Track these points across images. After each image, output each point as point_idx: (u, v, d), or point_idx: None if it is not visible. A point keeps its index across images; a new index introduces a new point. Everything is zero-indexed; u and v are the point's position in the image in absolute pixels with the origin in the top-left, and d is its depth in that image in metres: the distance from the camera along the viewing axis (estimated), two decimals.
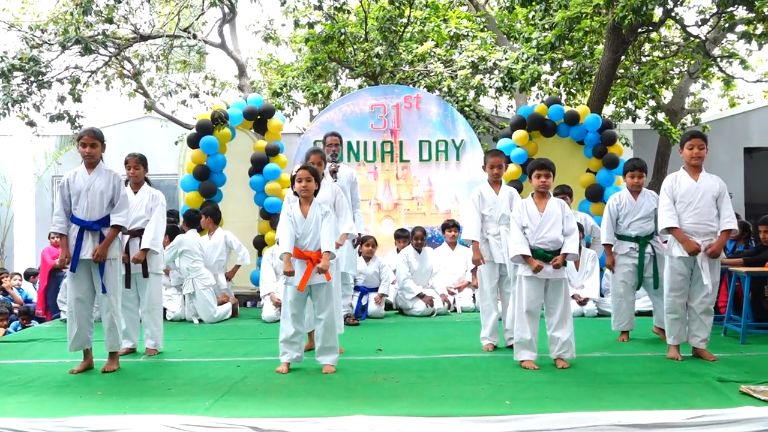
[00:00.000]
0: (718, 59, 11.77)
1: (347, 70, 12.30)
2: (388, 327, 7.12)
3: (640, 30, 9.76)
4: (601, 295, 7.74)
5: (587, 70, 10.79)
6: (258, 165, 8.95)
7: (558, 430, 3.58)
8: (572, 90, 11.81)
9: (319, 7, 10.89)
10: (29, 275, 10.38)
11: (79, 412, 3.88)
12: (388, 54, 11.07)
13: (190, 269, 7.40)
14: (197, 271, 7.41)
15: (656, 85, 12.22)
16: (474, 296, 8.03)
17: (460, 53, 11.27)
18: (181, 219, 8.12)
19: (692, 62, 12.41)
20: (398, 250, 8.46)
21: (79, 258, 4.91)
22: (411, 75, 11.69)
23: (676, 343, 5.21)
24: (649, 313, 6.39)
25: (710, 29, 10.63)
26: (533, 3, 10.18)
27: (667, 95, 13.85)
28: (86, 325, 4.99)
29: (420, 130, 9.39)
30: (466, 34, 11.60)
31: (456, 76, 11.15)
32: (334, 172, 6.50)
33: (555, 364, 4.96)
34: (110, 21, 10.82)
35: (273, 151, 8.98)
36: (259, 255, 8.74)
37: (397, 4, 11.02)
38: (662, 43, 12.76)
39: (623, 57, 10.53)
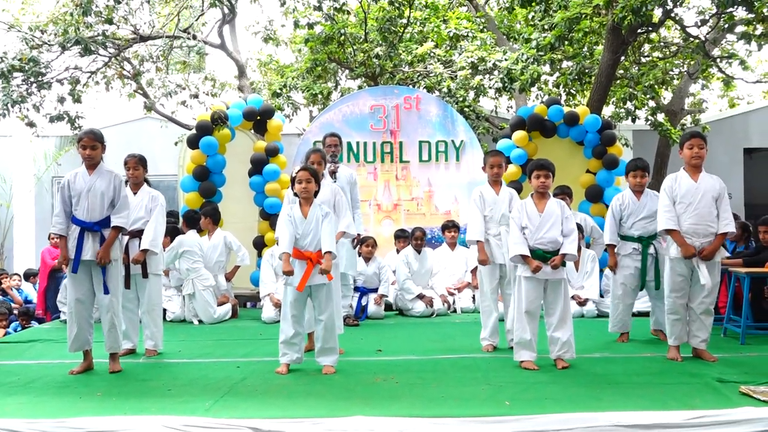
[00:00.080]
0: (718, 60, 11.77)
1: (347, 71, 12.31)
2: (387, 328, 7.12)
3: (639, 30, 9.76)
4: (601, 296, 7.74)
5: (587, 70, 10.80)
6: (258, 166, 8.95)
7: (557, 431, 3.58)
8: (572, 91, 11.81)
9: (319, 8, 10.89)
10: (29, 276, 10.38)
11: (78, 413, 3.87)
12: (387, 55, 11.07)
13: (190, 270, 7.40)
14: (197, 272, 7.41)
15: (656, 86, 12.22)
16: (474, 297, 8.04)
17: (460, 54, 11.27)
18: (181, 220, 8.12)
19: (692, 63, 12.42)
20: (398, 251, 8.46)
21: (80, 259, 4.91)
22: (411, 76, 11.69)
23: (677, 343, 5.21)
24: (649, 314, 6.39)
25: (710, 30, 10.64)
26: (533, 3, 10.18)
27: (666, 96, 13.86)
28: (86, 326, 4.99)
29: (420, 130, 9.39)
30: (465, 34, 11.60)
31: (456, 76, 11.15)
32: (333, 173, 6.50)
33: (555, 364, 4.97)
34: (110, 22, 10.83)
35: (273, 152, 8.98)
36: (259, 256, 8.74)
37: (396, 5, 11.02)
38: (662, 43, 12.76)
39: (623, 57, 10.53)
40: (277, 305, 7.19)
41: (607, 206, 8.76)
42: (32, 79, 10.54)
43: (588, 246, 8.03)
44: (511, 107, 13.65)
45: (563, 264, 5.01)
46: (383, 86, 10.40)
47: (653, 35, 11.69)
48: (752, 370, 4.78)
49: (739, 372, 4.69)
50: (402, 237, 8.54)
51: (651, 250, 5.89)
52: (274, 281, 7.56)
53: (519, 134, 9.04)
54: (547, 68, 11.49)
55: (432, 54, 11.63)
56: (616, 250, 6.02)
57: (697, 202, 5.07)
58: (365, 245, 7.68)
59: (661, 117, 12.83)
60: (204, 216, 7.99)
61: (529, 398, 4.12)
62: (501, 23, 12.87)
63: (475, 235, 5.56)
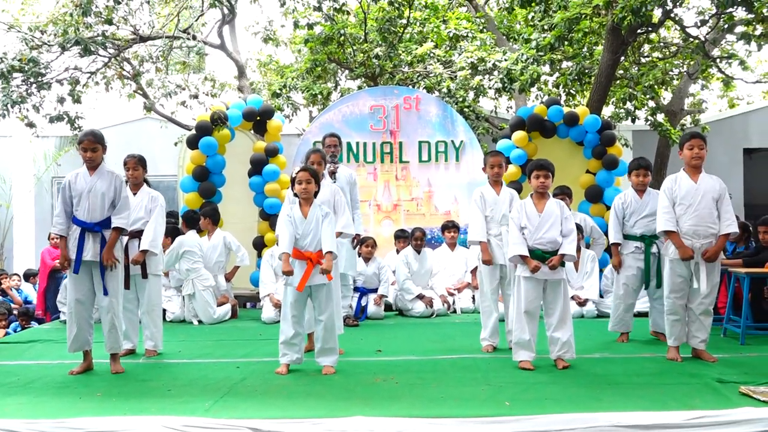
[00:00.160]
0: (718, 60, 11.78)
1: (347, 71, 12.31)
2: (387, 328, 7.12)
3: (639, 31, 9.77)
4: (601, 296, 7.74)
5: (587, 71, 10.80)
6: (257, 166, 8.95)
7: (557, 431, 3.58)
8: (571, 91, 11.81)
9: (319, 8, 10.90)
10: (29, 276, 10.38)
11: (78, 413, 3.87)
12: (387, 55, 11.08)
13: (190, 270, 7.40)
14: (197, 272, 7.41)
15: (655, 86, 12.23)
16: (473, 297, 8.04)
17: (460, 54, 11.27)
18: (181, 220, 8.12)
19: (691, 63, 12.43)
20: (398, 251, 8.46)
21: (81, 260, 4.91)
22: (410, 76, 11.69)
23: (676, 344, 5.21)
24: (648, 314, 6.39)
25: (709, 30, 10.64)
26: (533, 4, 10.19)
27: (666, 96, 13.87)
28: (86, 326, 4.99)
29: (419, 131, 9.39)
30: (465, 35, 11.60)
31: (455, 77, 11.15)
32: (333, 173, 6.49)
33: (555, 364, 4.97)
34: (110, 22, 10.83)
35: (272, 152, 8.97)
36: (259, 256, 8.74)
37: (396, 5, 11.02)
38: (661, 44, 12.77)
39: (622, 58, 10.53)
40: (277, 306, 7.19)
41: (607, 207, 8.85)
42: (32, 80, 10.55)
43: (588, 246, 8.03)
44: (511, 107, 13.66)
45: (562, 264, 5.01)
46: (383, 86, 10.41)
47: (653, 35, 11.69)
48: (752, 370, 4.78)
49: (739, 372, 4.69)
50: (402, 237, 8.54)
51: (654, 249, 5.89)
52: (273, 282, 7.56)
53: (519, 134, 9.04)
54: (546, 68, 11.50)
55: (432, 54, 11.63)
56: (618, 249, 6.04)
57: (697, 203, 5.07)
58: (365, 245, 7.68)
59: (660, 117, 12.83)
60: (203, 216, 7.99)
61: (529, 399, 4.12)
62: (501, 23, 12.88)
63: (476, 235, 5.56)
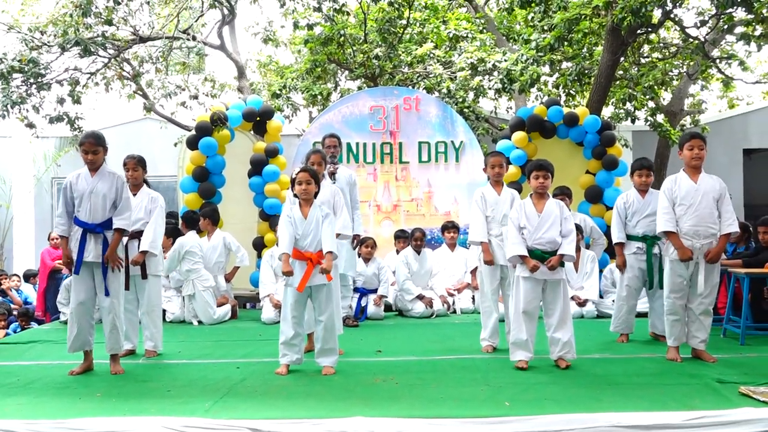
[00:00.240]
0: (717, 60, 11.78)
1: (346, 72, 12.31)
2: (387, 328, 7.12)
3: (639, 31, 9.77)
4: (601, 297, 7.74)
5: (586, 71, 10.80)
6: (257, 166, 8.95)
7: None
8: (571, 91, 11.81)
9: (319, 9, 10.89)
10: (29, 277, 10.38)
11: (78, 413, 3.87)
12: (387, 55, 11.08)
13: (191, 271, 7.39)
14: (197, 273, 7.41)
15: (655, 87, 12.24)
16: (473, 297, 8.04)
17: (460, 55, 11.27)
18: (180, 220, 8.11)
19: (691, 63, 12.42)
20: (398, 251, 8.46)
21: (82, 260, 4.92)
22: (410, 76, 11.69)
23: (676, 344, 5.21)
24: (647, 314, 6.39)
25: (709, 30, 10.64)
26: (532, 4, 10.19)
27: (666, 96, 13.88)
28: (87, 326, 4.99)
29: (419, 131, 9.39)
30: (465, 35, 11.60)
31: (455, 77, 11.15)
32: (332, 174, 6.50)
33: (556, 365, 4.97)
34: (109, 23, 10.84)
35: (272, 153, 8.97)
36: (259, 256, 8.74)
37: (396, 6, 11.02)
38: (661, 44, 12.77)
39: (622, 58, 10.53)
40: (277, 306, 7.19)
41: (607, 207, 8.86)
42: (32, 80, 10.55)
43: (587, 247, 8.03)
44: (511, 108, 13.66)
45: (561, 264, 5.01)
46: (383, 87, 10.41)
47: (653, 36, 11.69)
48: (752, 370, 4.79)
49: (739, 372, 4.70)
50: (402, 237, 8.55)
51: (655, 250, 5.89)
52: (273, 282, 7.56)
53: (518, 135, 9.04)
54: (546, 69, 11.50)
55: (431, 55, 11.63)
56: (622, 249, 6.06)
57: (697, 204, 5.07)
58: (365, 246, 7.68)
59: (660, 118, 12.83)
60: (203, 217, 7.99)
61: (529, 399, 4.12)
62: (500, 24, 12.88)
63: (477, 236, 5.56)
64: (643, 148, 13.00)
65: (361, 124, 9.36)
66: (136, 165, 5.76)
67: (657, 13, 9.62)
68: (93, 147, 4.93)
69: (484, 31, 12.02)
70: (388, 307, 8.05)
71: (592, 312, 7.50)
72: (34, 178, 13.84)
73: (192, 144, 8.90)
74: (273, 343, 5.26)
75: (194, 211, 8.24)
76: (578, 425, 3.59)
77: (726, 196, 5.13)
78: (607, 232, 8.30)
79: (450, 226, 8.45)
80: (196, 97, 13.53)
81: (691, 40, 10.76)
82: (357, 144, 9.31)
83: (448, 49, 11.93)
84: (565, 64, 11.67)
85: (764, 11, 9.05)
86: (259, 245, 8.92)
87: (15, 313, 9.06)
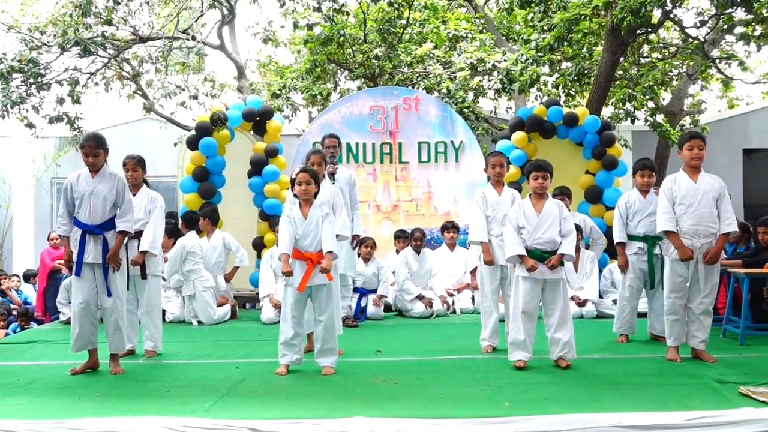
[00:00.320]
0: (717, 61, 11.78)
1: (346, 72, 12.32)
2: (387, 328, 7.12)
3: (638, 31, 9.77)
4: (600, 297, 7.74)
5: (586, 71, 10.80)
6: (257, 166, 8.95)
7: None
8: (571, 91, 11.82)
9: (318, 9, 10.90)
10: (28, 277, 10.38)
11: (78, 413, 3.87)
12: (387, 55, 11.08)
13: (191, 271, 7.39)
14: (198, 273, 7.41)
15: (655, 87, 12.24)
16: (473, 298, 8.04)
17: (459, 55, 11.28)
18: (180, 221, 8.11)
19: (691, 64, 12.42)
20: (398, 251, 8.46)
21: (83, 262, 4.91)
22: (410, 76, 11.69)
23: (676, 344, 5.21)
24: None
25: (709, 31, 10.65)
26: (532, 4, 10.19)
27: (666, 97, 13.87)
28: (89, 326, 4.98)
29: (419, 131, 9.39)
30: (465, 35, 11.61)
31: (455, 77, 11.15)
32: (332, 174, 6.49)
33: (556, 365, 4.97)
34: (109, 23, 10.84)
35: (272, 153, 8.97)
36: (258, 257, 8.74)
37: (396, 6, 11.02)
38: (661, 44, 12.78)
39: (622, 58, 10.53)
40: (277, 306, 7.19)
41: (607, 207, 8.86)
42: (31, 80, 10.55)
43: (587, 247, 8.03)
44: (511, 108, 13.66)
45: (561, 264, 5.01)
46: (382, 87, 10.41)
47: (652, 36, 11.70)
48: (752, 370, 4.79)
49: (739, 373, 4.70)
50: (402, 237, 8.55)
51: (657, 250, 5.90)
52: (273, 282, 7.56)
53: (518, 135, 9.04)
54: (546, 69, 11.51)
55: (431, 55, 11.64)
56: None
57: (697, 203, 5.07)
58: (364, 246, 7.68)
59: (660, 118, 12.83)
60: (203, 217, 7.98)
61: (529, 399, 4.12)
62: (500, 24, 12.88)
63: (478, 236, 5.56)
64: (643, 149, 13.00)
65: (361, 124, 9.36)
66: (135, 165, 5.76)
67: (657, 13, 9.62)
68: (93, 150, 4.93)
69: (484, 31, 12.02)
70: (387, 308, 8.05)
71: (592, 312, 7.50)
72: (33, 178, 13.84)
73: (192, 144, 8.90)
74: (273, 343, 5.26)
75: (194, 211, 8.24)
76: (578, 425, 3.59)
77: (725, 195, 5.13)
78: (607, 233, 8.32)
79: (450, 226, 8.45)
80: (195, 97, 13.54)
81: (690, 40, 10.76)
82: (357, 144, 9.31)
83: (447, 49, 11.93)
84: (564, 64, 11.67)
85: (764, 11, 9.05)
86: (259, 245, 8.92)
87: (14, 313, 9.06)
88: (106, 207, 4.96)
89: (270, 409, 3.98)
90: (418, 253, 8.13)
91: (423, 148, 9.35)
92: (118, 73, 12.34)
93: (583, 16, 9.66)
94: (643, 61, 12.53)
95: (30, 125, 11.31)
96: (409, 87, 11.17)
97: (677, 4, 9.54)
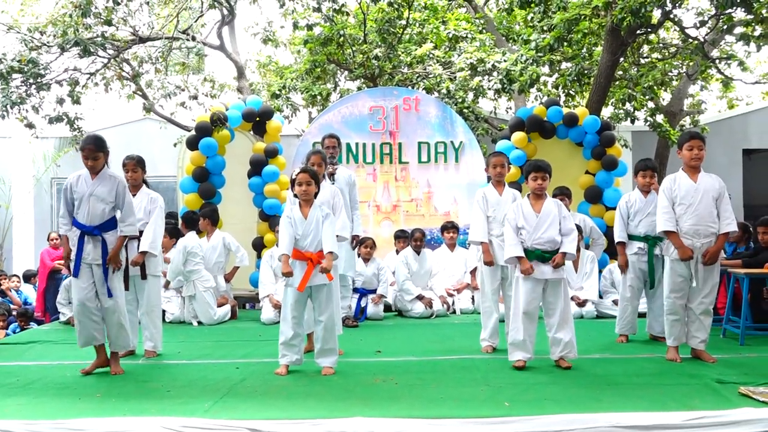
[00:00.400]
0: (717, 61, 11.78)
1: (346, 72, 12.32)
2: (387, 329, 7.12)
3: (638, 32, 9.77)
4: (600, 297, 7.74)
5: (586, 71, 10.80)
6: (257, 167, 8.95)
7: None
8: (571, 92, 11.81)
9: (318, 9, 10.90)
10: (28, 277, 10.38)
11: (78, 414, 3.87)
12: (386, 56, 11.08)
13: (192, 271, 7.39)
14: (198, 273, 7.41)
15: (655, 87, 12.23)
16: (473, 298, 8.04)
17: (459, 55, 11.27)
18: (180, 221, 8.11)
19: (691, 64, 12.42)
20: (398, 251, 8.46)
21: (81, 263, 4.91)
22: (410, 77, 11.70)
23: (676, 344, 5.21)
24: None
25: (709, 31, 10.65)
26: (532, 5, 10.19)
27: (665, 97, 13.87)
28: (90, 323, 4.95)
29: (419, 131, 9.39)
30: (464, 35, 11.60)
31: (455, 77, 11.15)
32: (331, 175, 6.49)
33: (557, 365, 4.97)
34: (109, 23, 10.84)
35: (272, 153, 8.98)
36: (258, 257, 8.74)
37: (395, 6, 11.02)
38: (661, 44, 12.77)
39: (622, 59, 10.53)
40: (277, 306, 7.18)
41: (606, 207, 8.86)
42: (31, 81, 10.55)
43: (587, 247, 8.03)
44: (510, 108, 13.66)
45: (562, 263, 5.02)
46: (382, 87, 10.41)
47: (652, 36, 11.69)
48: (751, 370, 4.79)
49: (739, 373, 4.70)
50: (402, 237, 8.54)
51: (657, 251, 5.90)
52: (273, 282, 7.56)
53: (518, 135, 9.04)
54: (546, 69, 11.50)
55: (431, 55, 11.64)
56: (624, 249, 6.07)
57: (697, 203, 5.07)
58: (364, 246, 7.68)
59: (660, 118, 12.83)
60: (203, 217, 7.98)
61: (529, 399, 4.12)
62: (500, 24, 12.88)
63: (478, 236, 5.56)
64: (643, 149, 13.00)
65: (361, 125, 9.36)
66: (135, 166, 5.75)
67: (656, 14, 9.62)
68: (93, 153, 4.92)
69: (484, 31, 12.02)
70: (387, 308, 8.05)
71: (592, 312, 7.50)
72: (33, 179, 13.83)
73: (192, 144, 8.90)
74: (273, 344, 5.26)
75: (194, 211, 8.24)
76: (578, 425, 3.59)
77: (725, 195, 5.14)
78: (607, 233, 8.32)
79: (449, 227, 8.45)
80: (195, 98, 13.53)
81: (690, 40, 10.76)
82: (356, 144, 9.31)
83: (447, 49, 11.93)
84: (564, 65, 11.66)
85: (764, 11, 9.05)
86: (259, 245, 8.92)
87: (14, 313, 9.05)
88: (105, 209, 4.96)
89: (270, 409, 3.98)
90: (418, 253, 8.13)
91: (423, 148, 9.35)
92: (118, 73, 12.34)
93: (582, 17, 9.66)
94: (642, 61, 12.53)
95: (30, 125, 11.31)
96: (409, 87, 11.17)
97: (677, 5, 9.54)
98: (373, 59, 10.97)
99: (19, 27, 11.47)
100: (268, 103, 10.38)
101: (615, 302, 7.12)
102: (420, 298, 7.79)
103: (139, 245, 5.61)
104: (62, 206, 5.03)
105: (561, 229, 5.04)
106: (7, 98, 10.23)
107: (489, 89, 11.26)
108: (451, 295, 8.15)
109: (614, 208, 6.27)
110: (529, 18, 11.61)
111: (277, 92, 11.65)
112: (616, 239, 6.13)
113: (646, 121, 12.85)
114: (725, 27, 10.99)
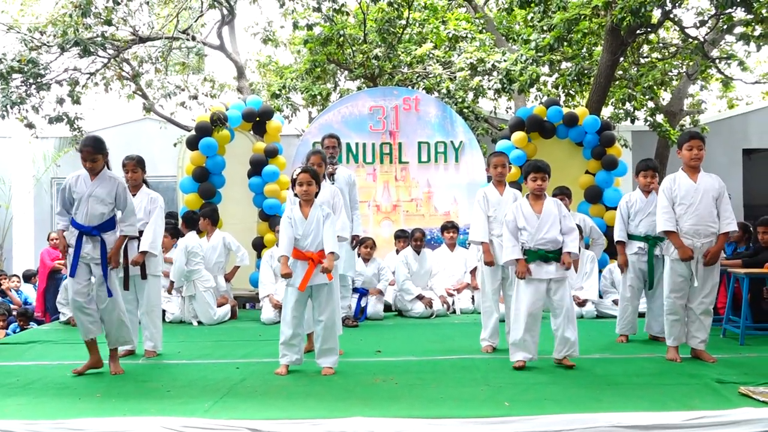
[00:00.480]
0: (717, 61, 11.77)
1: (346, 72, 12.32)
2: (387, 328, 7.12)
3: (638, 31, 9.77)
4: (600, 297, 7.74)
5: (586, 71, 10.80)
6: (257, 167, 8.95)
7: None
8: (571, 91, 11.81)
9: (318, 9, 10.90)
10: (28, 277, 10.37)
11: (78, 414, 3.87)
12: (386, 56, 11.08)
13: (192, 271, 7.39)
14: (198, 273, 7.41)
15: (655, 87, 12.23)
16: (473, 298, 8.04)
17: (459, 55, 11.27)
18: (180, 221, 8.11)
19: (691, 64, 12.42)
20: (398, 251, 8.46)
21: (78, 262, 4.91)
22: (410, 77, 11.69)
23: (676, 344, 5.21)
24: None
25: (709, 31, 10.64)
26: (532, 4, 10.18)
27: (665, 97, 13.87)
28: (84, 317, 4.94)
29: (419, 131, 9.39)
30: (464, 35, 11.60)
31: (455, 77, 11.15)
32: (331, 175, 6.49)
33: (560, 364, 4.99)
34: (109, 23, 10.84)
35: (272, 153, 8.98)
36: (258, 257, 8.74)
37: (395, 6, 11.02)
38: (661, 44, 12.77)
39: (622, 58, 10.53)
40: (277, 306, 7.18)
41: (606, 207, 8.86)
42: (31, 81, 10.55)
43: (587, 247, 8.03)
44: (510, 108, 13.65)
45: None
46: (382, 87, 10.41)
47: (652, 36, 11.69)
48: (751, 370, 4.79)
49: (739, 373, 4.70)
50: (402, 237, 8.55)
51: (657, 251, 5.90)
52: (273, 282, 7.56)
53: (518, 135, 9.04)
54: (546, 69, 11.50)
55: (431, 55, 11.64)
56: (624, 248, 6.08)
57: (697, 203, 5.07)
58: (364, 246, 7.68)
59: (660, 118, 12.83)
60: (203, 217, 7.98)
61: (529, 399, 4.12)
62: (500, 24, 12.88)
63: (478, 236, 5.56)
64: (643, 149, 13.00)
65: (361, 125, 9.36)
66: (135, 166, 5.75)
67: (656, 13, 9.62)
68: (92, 155, 4.91)
69: (484, 31, 12.02)
70: (387, 308, 8.05)
71: (592, 312, 7.51)
72: (33, 179, 13.82)
73: (192, 144, 8.90)
74: (273, 344, 5.26)
75: (194, 211, 8.24)
76: (578, 425, 3.60)
77: (725, 195, 5.14)
78: (607, 233, 8.31)
79: (449, 226, 8.45)
80: (195, 98, 13.53)
81: (690, 40, 10.76)
82: (356, 144, 9.31)
83: (447, 49, 11.93)
84: (564, 65, 11.66)
85: (764, 11, 9.05)
86: (259, 245, 8.92)
87: (14, 313, 9.05)
88: (104, 210, 4.95)
89: (270, 409, 3.98)
90: (418, 253, 8.13)
91: (423, 148, 9.35)
92: (118, 73, 12.34)
93: (582, 16, 9.66)
94: (642, 61, 12.52)
95: (30, 125, 11.31)
96: (409, 87, 11.17)
97: (677, 4, 9.54)
98: (373, 59, 10.97)
99: (19, 27, 11.47)
100: (268, 103, 10.38)
101: (615, 302, 7.13)
102: (420, 298, 7.79)
103: (139, 245, 5.61)
104: (59, 204, 5.02)
105: (562, 228, 5.04)
106: (7, 98, 10.22)
107: (489, 89, 11.27)
108: (451, 295, 8.15)
109: (614, 208, 6.27)
110: (529, 18, 11.61)
111: (277, 92, 11.65)
112: (616, 239, 6.13)
113: (646, 120, 12.84)
114: (725, 27, 10.99)
